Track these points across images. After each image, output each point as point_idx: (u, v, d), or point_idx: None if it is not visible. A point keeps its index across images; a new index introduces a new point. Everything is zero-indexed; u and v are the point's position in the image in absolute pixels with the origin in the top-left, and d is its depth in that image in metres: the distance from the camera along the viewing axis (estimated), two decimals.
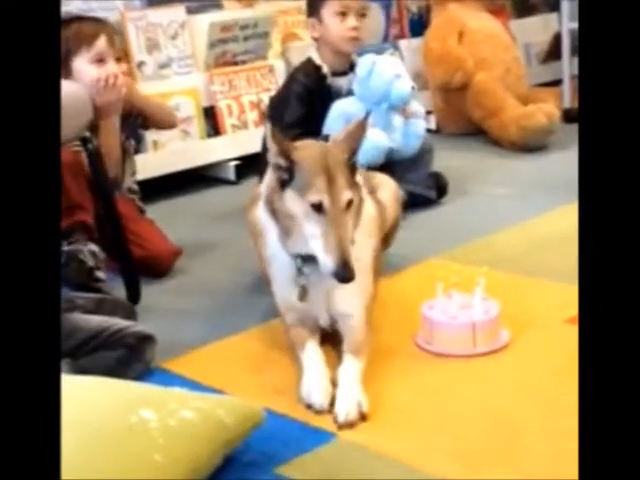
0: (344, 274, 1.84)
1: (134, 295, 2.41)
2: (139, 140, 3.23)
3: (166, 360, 2.08)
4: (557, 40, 4.61)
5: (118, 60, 2.75)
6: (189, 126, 3.64)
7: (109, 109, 2.68)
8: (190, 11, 3.79)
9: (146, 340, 2.03)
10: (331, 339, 2.06)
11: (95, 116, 2.47)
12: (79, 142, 2.39)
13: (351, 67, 3.13)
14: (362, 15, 3.12)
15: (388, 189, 2.44)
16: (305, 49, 3.40)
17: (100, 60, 2.68)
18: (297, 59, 3.44)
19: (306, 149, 1.97)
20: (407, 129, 3.07)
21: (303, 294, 2.02)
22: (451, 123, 4.23)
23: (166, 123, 2.99)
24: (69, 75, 2.59)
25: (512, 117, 3.87)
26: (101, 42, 2.67)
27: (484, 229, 2.85)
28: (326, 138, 2.31)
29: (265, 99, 3.71)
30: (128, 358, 1.99)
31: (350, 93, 3.06)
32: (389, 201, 2.40)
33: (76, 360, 1.94)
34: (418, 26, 4.48)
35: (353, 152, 1.96)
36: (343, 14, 3.07)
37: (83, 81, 2.53)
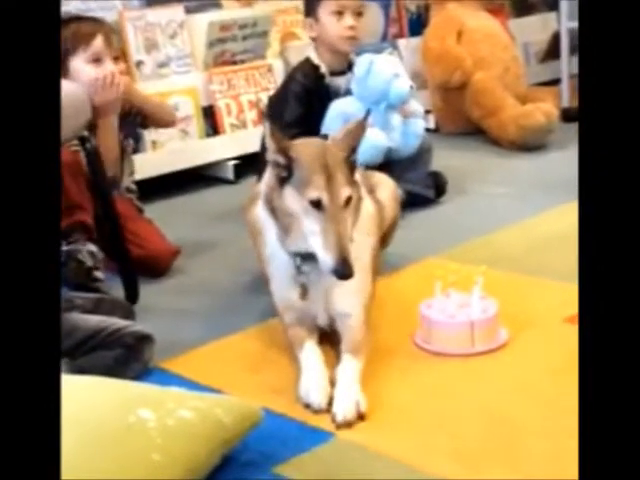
0: (343, 271, 1.84)
1: (132, 295, 2.41)
2: (138, 139, 3.23)
3: (164, 360, 2.08)
4: (556, 39, 4.61)
5: (116, 59, 2.75)
6: (188, 125, 3.64)
7: (107, 108, 2.68)
8: (189, 10, 3.79)
9: (144, 340, 2.03)
10: (329, 339, 2.06)
11: (93, 115, 2.47)
12: (77, 141, 2.39)
13: (349, 66, 3.13)
14: (359, 14, 3.12)
15: (387, 188, 2.45)
16: (304, 48, 3.40)
17: (97, 60, 2.68)
18: (296, 58, 3.44)
19: (305, 146, 1.98)
20: (406, 128, 3.07)
21: (303, 293, 2.02)
22: (450, 122, 4.23)
23: (165, 122, 2.99)
24: (66, 75, 2.60)
25: (511, 116, 3.87)
26: (98, 42, 2.67)
27: (483, 228, 2.85)
28: (325, 137, 2.31)
29: (264, 98, 3.71)
30: (126, 358, 1.99)
31: (348, 92, 3.06)
32: (388, 200, 2.40)
33: (74, 360, 1.93)
34: (417, 25, 4.49)
35: (352, 150, 1.96)
36: (340, 13, 3.07)
37: (80, 80, 2.53)
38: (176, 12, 3.74)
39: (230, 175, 3.66)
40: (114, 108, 2.71)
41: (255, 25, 3.82)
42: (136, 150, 3.31)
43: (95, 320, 2.04)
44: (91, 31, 2.67)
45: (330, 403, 1.80)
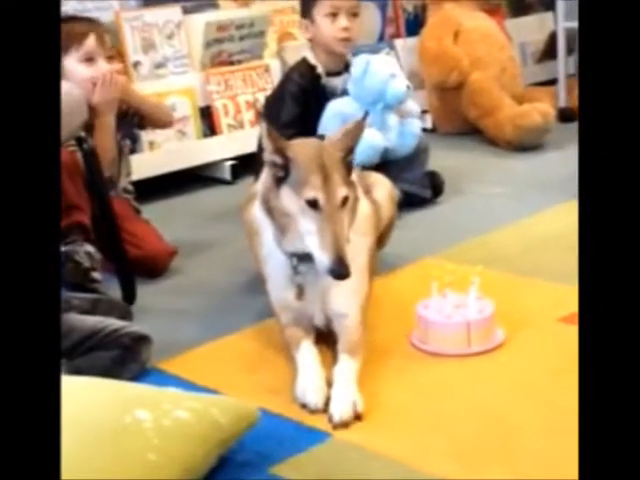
0: (339, 271, 1.84)
1: (130, 296, 2.41)
2: (135, 140, 3.23)
3: (161, 360, 2.08)
4: (552, 39, 4.61)
5: (110, 59, 2.75)
6: (185, 126, 3.64)
7: (104, 108, 2.68)
8: (186, 11, 3.79)
9: (142, 340, 2.04)
10: (326, 339, 2.06)
11: (90, 115, 2.47)
12: (74, 142, 2.39)
13: (346, 67, 3.13)
14: (354, 15, 3.11)
15: (383, 188, 2.45)
16: (301, 48, 3.39)
17: (90, 59, 2.68)
18: (293, 59, 3.44)
19: (302, 146, 1.98)
20: (403, 128, 3.08)
21: (299, 293, 2.02)
22: (447, 122, 4.23)
23: (162, 122, 2.99)
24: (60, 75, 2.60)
25: (507, 116, 3.87)
26: (90, 41, 2.67)
27: (479, 228, 2.85)
28: (322, 138, 2.32)
29: (261, 99, 3.71)
30: (123, 358, 1.99)
31: (345, 93, 3.06)
32: (384, 200, 2.41)
33: (71, 360, 1.93)
34: (414, 25, 4.48)
35: (349, 150, 1.97)
36: (334, 15, 3.07)
37: (74, 80, 2.53)
38: (173, 12, 3.74)
39: (227, 175, 3.66)
40: (111, 108, 2.72)
41: (252, 25, 3.82)
42: (133, 150, 3.31)
43: (92, 321, 2.04)
44: (83, 31, 2.67)
45: (327, 403, 1.81)
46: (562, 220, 2.85)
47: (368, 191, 2.28)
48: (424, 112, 4.11)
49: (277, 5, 4.04)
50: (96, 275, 2.37)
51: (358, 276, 2.02)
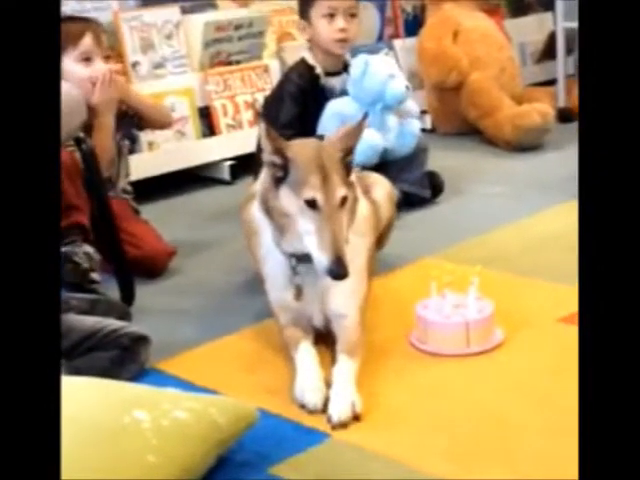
0: (338, 271, 1.84)
1: (128, 296, 2.41)
2: (134, 140, 3.23)
3: (160, 360, 2.08)
4: (552, 40, 4.60)
5: (107, 59, 2.75)
6: (184, 126, 3.64)
7: (104, 108, 2.68)
8: (184, 11, 3.79)
9: (140, 341, 2.03)
10: (325, 339, 2.06)
11: (89, 115, 2.47)
12: (73, 142, 2.39)
13: (345, 67, 3.13)
14: (351, 15, 3.10)
15: (382, 189, 2.45)
16: (300, 49, 3.39)
17: (87, 59, 2.68)
18: (292, 59, 3.44)
19: (301, 147, 1.98)
20: (402, 129, 3.08)
21: (298, 293, 2.02)
22: (446, 123, 4.23)
23: (161, 123, 2.99)
24: None
25: (507, 116, 3.87)
26: (87, 41, 2.67)
27: (479, 228, 2.85)
28: (321, 138, 2.31)
29: (260, 99, 3.71)
30: (122, 359, 1.99)
31: (343, 93, 3.06)
32: (383, 201, 2.40)
33: (70, 361, 1.93)
34: (413, 26, 4.48)
35: (348, 151, 1.97)
36: (331, 16, 3.06)
37: (71, 80, 2.53)
38: (172, 12, 3.74)
39: (226, 176, 3.65)
40: (110, 108, 2.71)
41: (251, 25, 3.81)
42: (132, 151, 3.31)
43: (91, 321, 2.04)
44: (79, 30, 2.66)
45: (325, 404, 1.80)
46: (561, 220, 2.85)
47: (367, 191, 2.28)
48: (423, 112, 4.11)
49: (276, 5, 4.03)
50: (95, 276, 2.37)
51: (357, 276, 2.02)
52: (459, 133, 4.16)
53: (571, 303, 2.16)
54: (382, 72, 2.97)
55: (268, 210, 1.98)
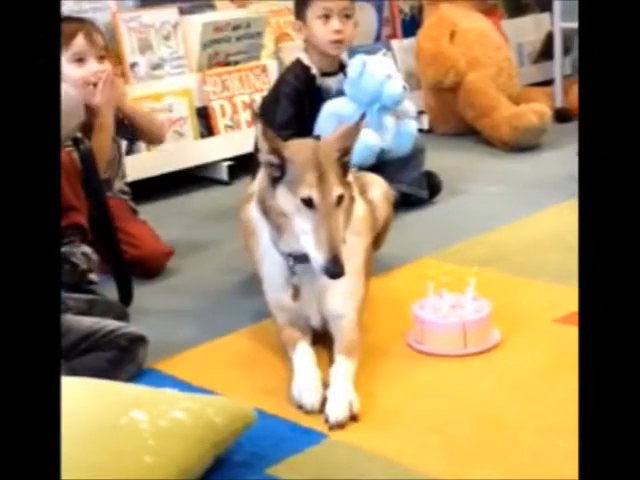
0: (334, 269, 1.84)
1: (126, 297, 2.41)
2: (132, 141, 3.23)
3: (158, 361, 2.08)
4: (549, 40, 4.61)
5: (101, 59, 2.74)
6: (182, 126, 3.64)
7: (105, 108, 2.68)
8: (183, 12, 3.79)
9: (138, 341, 2.04)
10: (323, 340, 2.06)
11: (89, 116, 2.47)
12: (71, 143, 2.39)
13: (341, 67, 3.13)
14: (346, 16, 3.09)
15: (379, 189, 2.45)
16: (298, 49, 3.40)
17: (80, 60, 2.68)
18: (290, 59, 3.43)
19: (297, 146, 1.99)
20: (399, 129, 3.08)
21: (295, 294, 2.02)
22: (443, 123, 4.23)
23: (154, 137, 2.96)
24: None
25: (504, 117, 3.88)
26: (79, 41, 2.67)
27: (476, 228, 2.86)
28: (318, 138, 2.32)
29: (258, 99, 3.71)
30: (120, 359, 2.00)
31: (339, 93, 3.07)
32: (380, 201, 2.41)
33: (68, 361, 1.93)
34: (410, 26, 4.49)
35: (345, 151, 1.97)
36: (326, 17, 3.05)
37: (65, 82, 2.53)
38: (170, 13, 3.74)
39: (224, 176, 3.66)
40: (112, 108, 2.71)
41: (249, 26, 3.82)
42: (130, 151, 3.32)
43: (89, 322, 2.04)
44: (71, 31, 2.65)
45: (323, 404, 1.81)
46: (558, 220, 2.86)
47: (364, 191, 2.28)
48: (421, 113, 4.12)
49: (274, 6, 4.04)
50: (92, 276, 2.38)
51: (354, 277, 2.03)
52: (456, 133, 4.16)
53: (568, 303, 2.17)
54: (379, 73, 2.98)
55: (265, 210, 1.98)
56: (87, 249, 2.35)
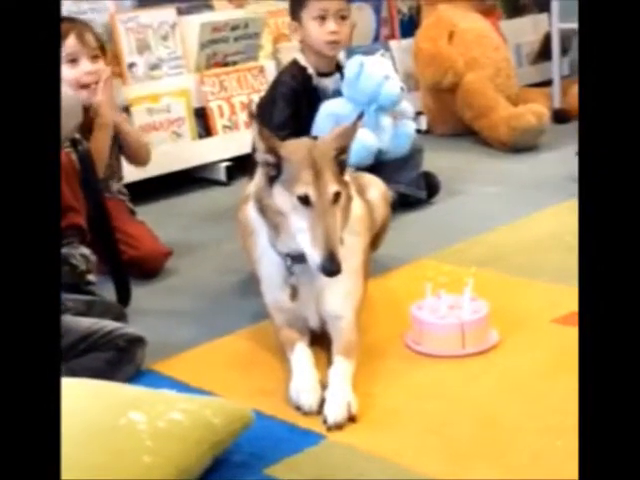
0: (330, 267, 1.84)
1: (124, 297, 2.41)
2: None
3: (156, 362, 2.08)
4: (547, 40, 4.62)
5: (95, 58, 2.73)
6: (180, 127, 3.64)
7: (105, 107, 2.67)
8: (181, 12, 3.79)
9: (136, 342, 2.04)
10: (321, 341, 2.06)
11: (87, 116, 2.47)
12: (69, 144, 2.39)
13: (338, 67, 3.13)
14: (342, 17, 3.09)
15: (376, 189, 2.45)
16: (296, 50, 3.40)
17: (73, 60, 2.67)
18: (288, 60, 3.43)
19: (293, 145, 1.99)
20: (397, 130, 3.08)
21: (293, 294, 2.02)
22: (442, 124, 4.23)
23: (139, 159, 2.92)
24: None
25: (502, 117, 3.88)
26: (70, 41, 2.66)
27: (474, 229, 2.86)
28: (315, 139, 2.32)
29: (256, 100, 3.71)
30: (118, 360, 1.99)
31: (336, 93, 3.07)
32: (378, 201, 2.41)
33: (66, 362, 1.92)
34: (409, 27, 4.49)
35: (342, 149, 1.97)
36: (322, 18, 3.05)
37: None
38: (168, 14, 3.74)
39: (222, 177, 3.66)
40: (111, 107, 2.71)
41: (247, 27, 3.82)
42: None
43: (87, 322, 2.04)
44: (63, 31, 2.64)
45: (321, 405, 1.81)
46: (557, 221, 2.86)
47: (361, 192, 2.28)
48: (419, 113, 4.12)
49: (272, 6, 4.04)
50: (91, 277, 2.37)
51: (352, 277, 2.03)
52: (455, 134, 4.16)
53: (566, 304, 2.17)
54: (377, 73, 2.98)
55: (262, 209, 1.98)
56: (86, 250, 2.35)
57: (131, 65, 3.61)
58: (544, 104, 4.10)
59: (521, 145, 3.83)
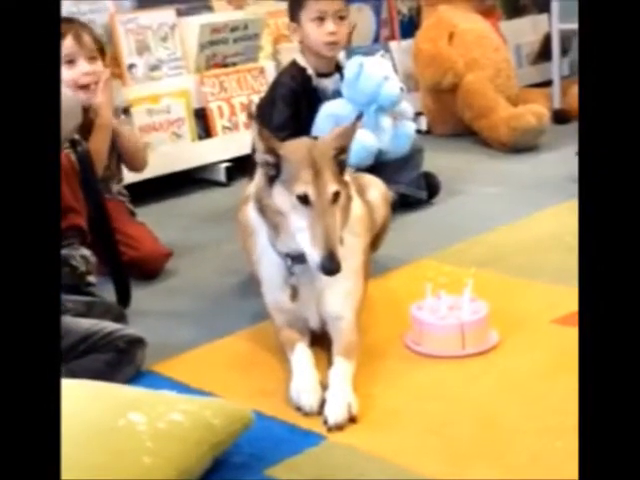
0: (330, 266, 1.84)
1: (124, 298, 2.41)
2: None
3: (156, 363, 2.08)
4: (547, 41, 4.62)
5: (92, 59, 2.72)
6: (180, 128, 3.64)
7: (105, 107, 2.67)
8: (180, 13, 3.79)
9: (136, 343, 2.04)
10: (321, 341, 2.06)
11: (86, 117, 2.47)
12: (69, 144, 2.39)
13: (337, 67, 3.13)
14: (340, 18, 3.09)
15: (376, 190, 2.45)
16: (296, 51, 3.40)
17: (70, 61, 2.66)
18: (288, 60, 3.44)
19: (293, 145, 2.00)
20: (396, 131, 3.08)
21: (293, 294, 2.02)
22: (442, 124, 4.23)
23: (135, 165, 2.92)
24: None
25: (502, 118, 3.88)
26: (67, 42, 2.66)
27: (474, 229, 2.86)
28: (315, 139, 2.32)
29: (256, 101, 3.71)
30: (118, 361, 1.99)
31: (336, 93, 3.07)
32: (378, 202, 2.41)
33: (66, 363, 1.92)
34: (409, 27, 4.49)
35: (342, 149, 1.97)
36: (320, 19, 3.05)
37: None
38: (168, 15, 3.75)
39: (222, 177, 3.66)
40: (111, 107, 2.71)
41: (246, 28, 3.82)
42: None
43: (87, 324, 2.04)
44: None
45: (321, 405, 1.81)
46: (557, 221, 2.86)
47: (362, 192, 2.28)
48: (419, 114, 4.12)
49: (271, 7, 4.04)
50: (91, 279, 2.37)
51: (352, 278, 2.03)
52: (455, 134, 4.16)
53: (566, 304, 2.17)
54: (377, 74, 2.98)
55: (262, 209, 1.98)
56: (86, 251, 2.35)
57: (131, 66, 3.61)
58: (544, 104, 4.10)
59: (521, 145, 3.83)
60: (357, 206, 2.10)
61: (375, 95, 2.98)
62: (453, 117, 4.14)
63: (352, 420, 1.77)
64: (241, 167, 3.48)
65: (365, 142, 2.91)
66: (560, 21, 4.28)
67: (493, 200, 3.22)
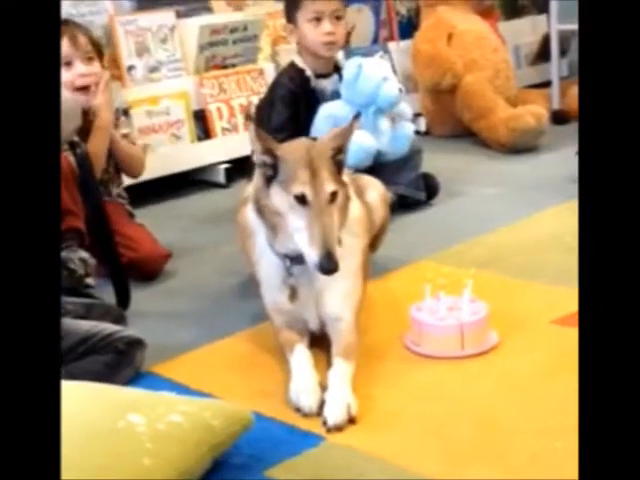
0: (328, 265, 1.84)
1: (124, 300, 2.41)
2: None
3: (155, 364, 2.08)
4: (546, 42, 4.62)
5: (89, 60, 2.72)
6: (179, 130, 3.65)
7: (104, 109, 2.67)
8: (179, 15, 3.80)
9: (135, 345, 2.04)
10: (320, 342, 2.06)
11: (85, 118, 2.47)
12: (67, 146, 2.39)
13: (335, 68, 3.13)
14: (337, 18, 3.08)
15: (375, 191, 2.45)
16: (295, 52, 3.40)
17: (66, 63, 2.66)
18: (287, 62, 3.44)
19: (290, 145, 2.00)
20: (395, 132, 3.08)
21: (292, 295, 2.02)
22: (441, 125, 4.24)
23: (132, 171, 2.91)
24: None
25: (501, 119, 3.88)
26: (63, 44, 2.65)
27: (474, 230, 2.86)
28: (314, 140, 2.32)
29: (255, 102, 3.71)
30: (117, 363, 1.99)
31: (335, 94, 3.07)
32: (377, 203, 2.41)
33: (66, 365, 1.93)
34: (408, 28, 4.50)
35: (339, 149, 1.97)
36: (317, 19, 3.05)
37: None
38: (167, 16, 3.75)
39: (221, 179, 3.66)
40: (110, 109, 2.71)
41: (246, 29, 3.82)
42: None
43: (86, 325, 2.04)
44: None
45: (321, 406, 1.81)
46: (556, 222, 2.86)
47: (360, 193, 2.28)
48: (418, 115, 4.13)
49: (271, 9, 4.04)
50: (90, 281, 2.37)
51: (351, 279, 2.03)
52: (454, 135, 4.17)
53: (565, 305, 2.17)
54: (375, 75, 2.98)
55: (260, 210, 1.98)
56: (84, 254, 2.35)
57: (130, 68, 3.61)
58: (543, 105, 4.11)
59: (520, 146, 3.83)
60: (356, 207, 2.10)
61: (374, 96, 2.98)
62: (452, 118, 4.14)
63: (351, 421, 1.77)
64: (240, 168, 3.48)
65: (364, 143, 2.92)
66: (559, 22, 4.28)
67: (492, 201, 3.22)
